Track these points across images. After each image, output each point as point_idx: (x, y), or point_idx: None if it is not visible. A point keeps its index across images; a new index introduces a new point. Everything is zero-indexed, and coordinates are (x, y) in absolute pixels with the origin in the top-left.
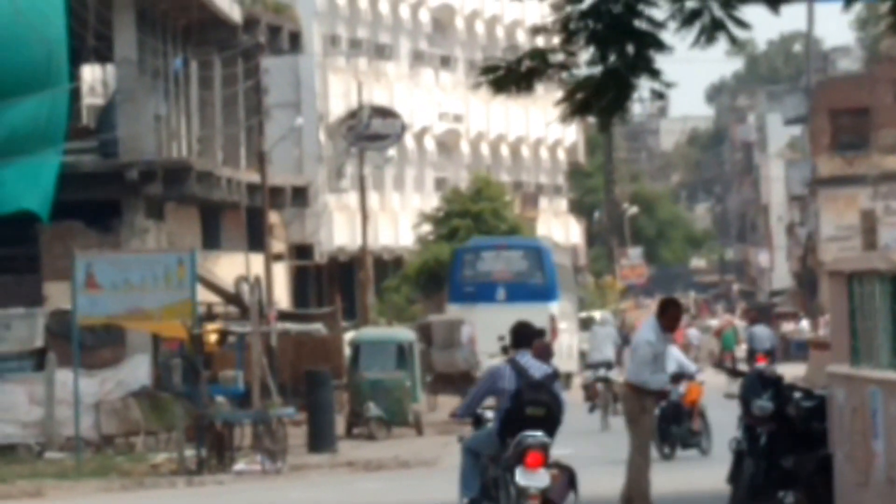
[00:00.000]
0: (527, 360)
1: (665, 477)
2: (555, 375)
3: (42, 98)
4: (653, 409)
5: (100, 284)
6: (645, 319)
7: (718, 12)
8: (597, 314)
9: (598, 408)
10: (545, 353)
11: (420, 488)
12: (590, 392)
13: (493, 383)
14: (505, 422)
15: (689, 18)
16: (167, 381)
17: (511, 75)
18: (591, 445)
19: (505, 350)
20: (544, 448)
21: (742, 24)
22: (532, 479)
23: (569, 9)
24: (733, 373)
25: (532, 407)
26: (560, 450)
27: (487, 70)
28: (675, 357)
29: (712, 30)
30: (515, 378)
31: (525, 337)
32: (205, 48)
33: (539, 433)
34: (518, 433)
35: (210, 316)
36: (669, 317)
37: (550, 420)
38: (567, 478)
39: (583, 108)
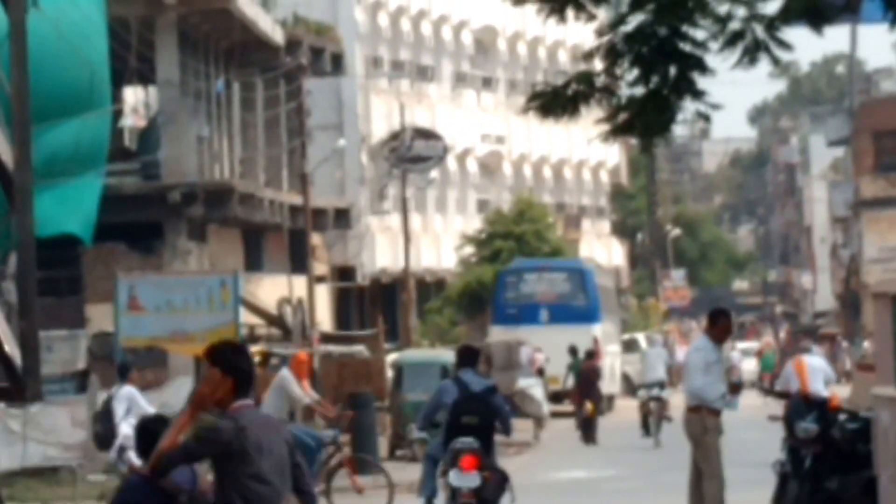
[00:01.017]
0: (469, 376)
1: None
2: (493, 389)
3: (84, 120)
4: (715, 427)
5: (142, 306)
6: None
7: (761, 34)
8: (640, 336)
9: (650, 425)
10: (593, 375)
11: None
12: (644, 411)
13: (440, 398)
14: (447, 430)
15: (731, 40)
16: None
17: (557, 100)
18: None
19: (541, 373)
20: (475, 452)
21: (785, 45)
22: (464, 480)
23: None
24: (778, 395)
25: (467, 416)
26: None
27: (534, 97)
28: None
29: (755, 51)
30: (457, 392)
31: (469, 357)
32: (247, 70)
33: (471, 439)
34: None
35: (253, 338)
36: (720, 328)
37: (484, 428)
38: (500, 479)
39: (625, 129)
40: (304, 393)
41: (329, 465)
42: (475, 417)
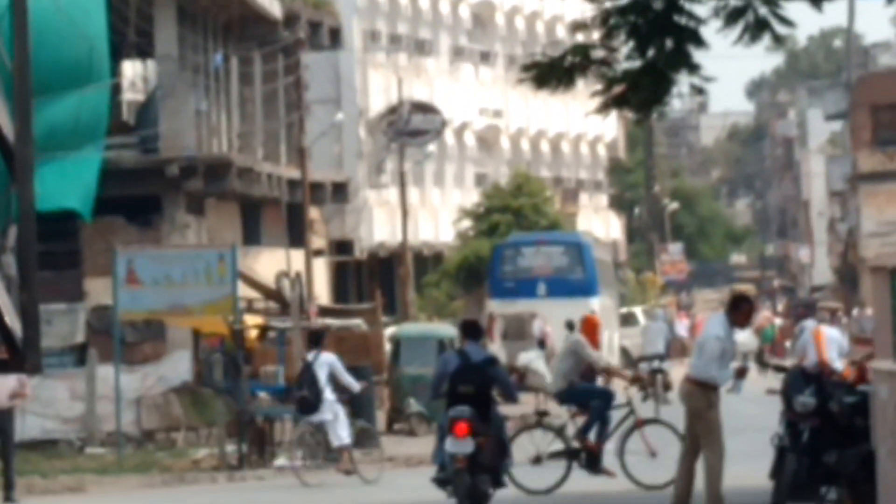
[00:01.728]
0: (471, 348)
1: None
2: (493, 360)
3: (83, 94)
4: (718, 402)
5: (140, 280)
6: (712, 316)
7: (763, 10)
8: (637, 310)
9: (650, 397)
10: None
11: None
12: (643, 383)
13: (444, 368)
14: (447, 399)
15: (732, 16)
16: (208, 377)
17: (553, 71)
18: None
19: (542, 345)
20: (468, 420)
21: (786, 21)
22: (458, 446)
23: (609, 4)
24: (776, 368)
25: (463, 385)
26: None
27: (530, 67)
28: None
29: (756, 28)
30: (458, 362)
31: (472, 330)
32: (245, 44)
33: (465, 407)
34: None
35: (251, 311)
36: (743, 314)
37: (480, 396)
38: (496, 446)
39: (620, 101)
40: (599, 355)
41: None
42: (471, 386)
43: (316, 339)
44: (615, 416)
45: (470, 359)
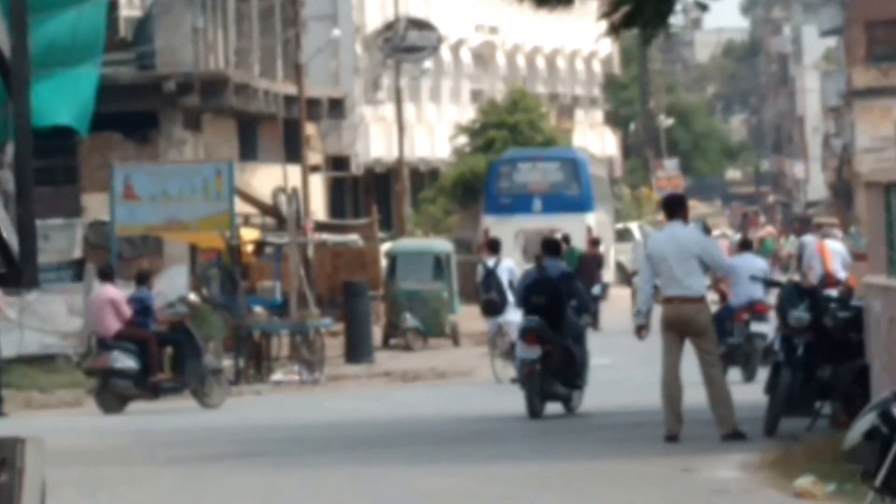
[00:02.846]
0: (550, 263)
1: (702, 389)
2: (570, 275)
3: (80, 10)
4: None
5: (138, 195)
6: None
7: None
8: (633, 225)
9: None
10: (595, 262)
11: (456, 399)
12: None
13: (522, 282)
14: (523, 309)
15: None
16: (205, 292)
17: None
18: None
19: (538, 259)
20: (538, 328)
21: None
22: (527, 352)
23: None
24: (771, 284)
25: (536, 296)
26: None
27: None
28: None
29: None
30: (534, 276)
31: (552, 247)
32: None
33: (536, 317)
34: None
35: (247, 226)
36: (685, 210)
37: (552, 307)
38: (565, 355)
39: (625, 22)
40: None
41: None
42: (542, 297)
43: (495, 247)
44: None
45: (545, 273)
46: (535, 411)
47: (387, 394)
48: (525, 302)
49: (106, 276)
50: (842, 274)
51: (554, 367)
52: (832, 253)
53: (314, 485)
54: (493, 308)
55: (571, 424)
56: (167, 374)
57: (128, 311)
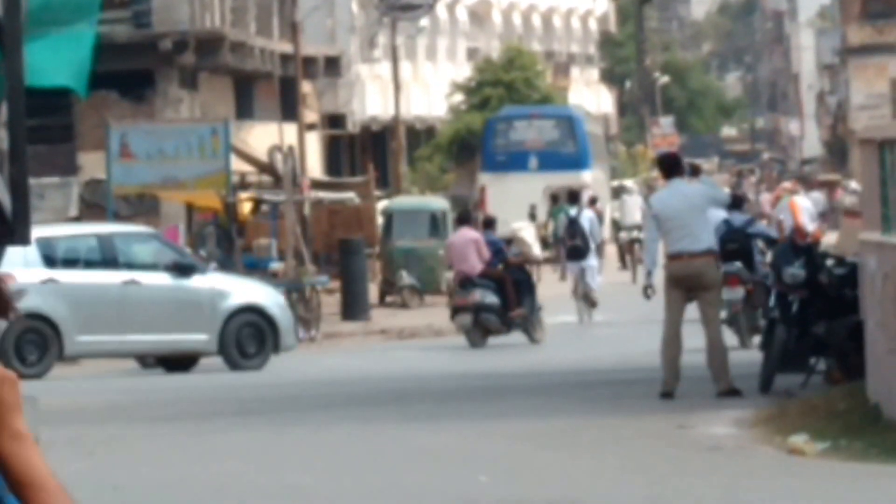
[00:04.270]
0: (735, 215)
1: (697, 341)
2: (751, 221)
3: None
4: None
5: (134, 154)
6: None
7: None
8: (629, 182)
9: (628, 266)
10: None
11: (452, 356)
12: (623, 251)
13: (716, 233)
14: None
15: None
16: (202, 250)
17: None
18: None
19: (533, 216)
20: (737, 273)
21: None
22: (730, 294)
23: None
24: (766, 241)
25: (730, 243)
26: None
27: None
28: None
29: None
30: (723, 228)
31: (736, 201)
32: None
33: (735, 263)
34: None
35: (243, 185)
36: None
37: (742, 252)
38: (763, 287)
39: None
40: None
41: None
42: (736, 244)
43: (574, 198)
44: None
45: (732, 224)
46: (744, 343)
47: (383, 351)
48: (722, 250)
49: (464, 220)
50: (810, 227)
51: (756, 303)
52: (801, 208)
53: (311, 443)
54: (577, 253)
55: (568, 381)
56: (520, 310)
57: (487, 252)
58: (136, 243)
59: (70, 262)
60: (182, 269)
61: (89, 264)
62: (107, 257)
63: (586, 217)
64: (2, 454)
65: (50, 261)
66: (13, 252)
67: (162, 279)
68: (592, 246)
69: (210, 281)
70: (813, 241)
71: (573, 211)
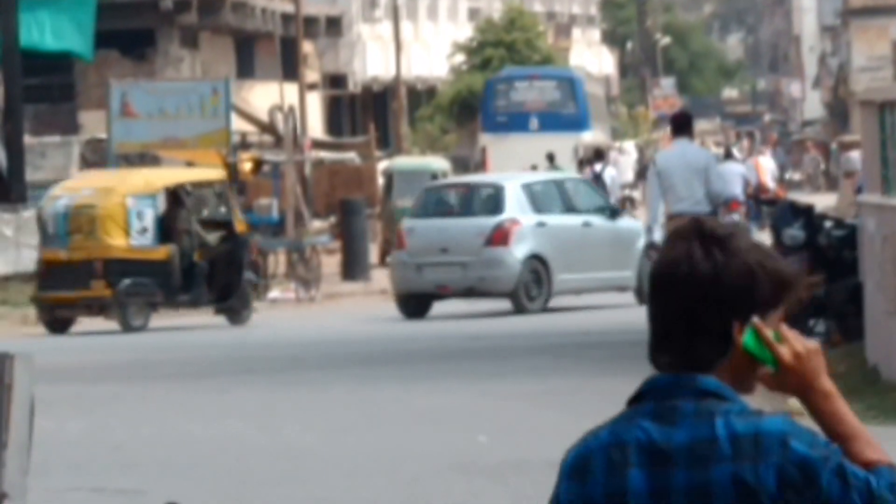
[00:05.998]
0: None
1: None
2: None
3: None
4: None
5: (135, 112)
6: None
7: None
8: (629, 144)
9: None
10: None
11: (452, 317)
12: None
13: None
14: None
15: None
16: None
17: None
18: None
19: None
20: None
21: None
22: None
23: None
24: (763, 202)
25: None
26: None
27: None
28: None
29: None
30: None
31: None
32: None
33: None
34: None
35: (244, 145)
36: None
37: None
38: None
39: None
40: None
41: None
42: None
43: (600, 156)
44: None
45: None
46: None
47: (384, 312)
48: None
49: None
50: (771, 185)
51: None
52: (764, 168)
53: (310, 403)
54: None
55: (568, 342)
56: None
57: None
58: (579, 189)
59: (543, 207)
60: (613, 212)
61: (555, 208)
62: (565, 201)
63: (608, 174)
64: (817, 411)
65: (536, 206)
66: (511, 197)
67: (601, 221)
68: (612, 200)
69: (628, 223)
70: (775, 199)
71: (598, 166)
